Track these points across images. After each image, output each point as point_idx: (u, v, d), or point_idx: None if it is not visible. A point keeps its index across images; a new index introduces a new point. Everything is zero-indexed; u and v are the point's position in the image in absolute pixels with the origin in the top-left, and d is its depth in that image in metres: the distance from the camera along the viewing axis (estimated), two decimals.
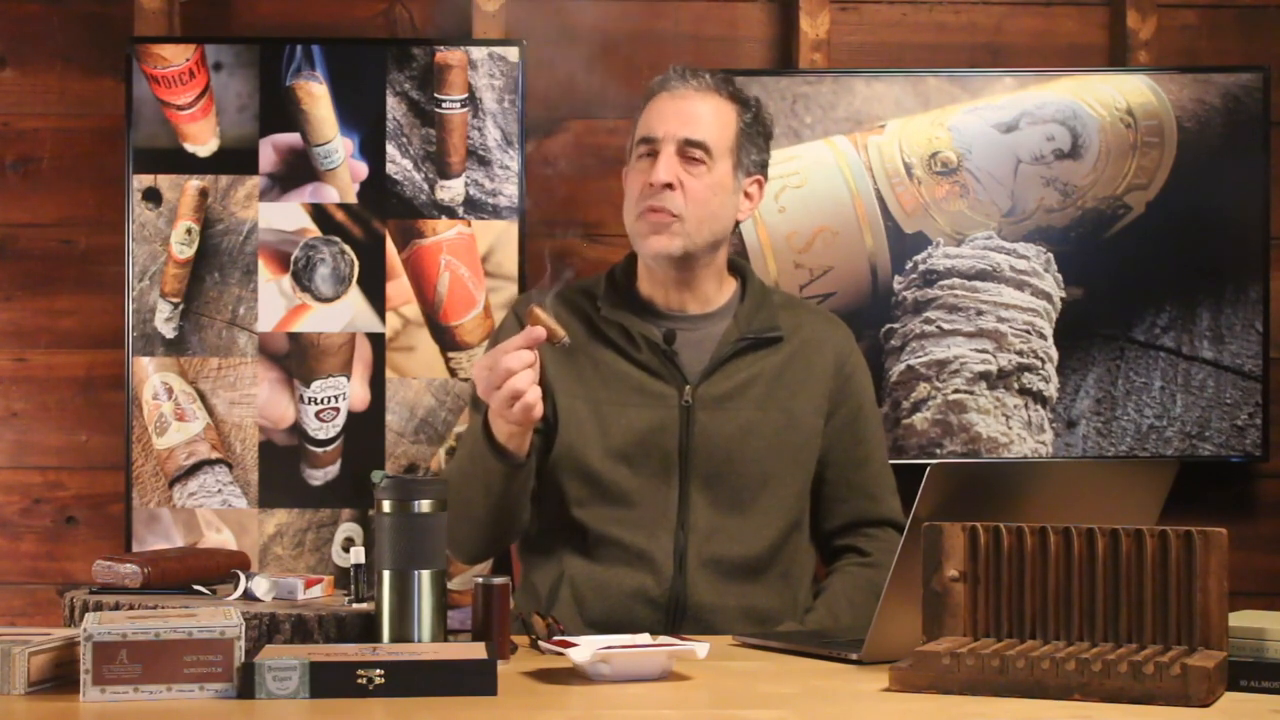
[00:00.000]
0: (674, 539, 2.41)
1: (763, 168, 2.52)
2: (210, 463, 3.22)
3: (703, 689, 1.88)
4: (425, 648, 1.93)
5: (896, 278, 3.28)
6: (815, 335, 2.53)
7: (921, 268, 3.28)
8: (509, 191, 3.24)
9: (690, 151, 2.43)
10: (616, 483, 2.42)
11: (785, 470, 2.46)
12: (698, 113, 2.44)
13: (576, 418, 2.45)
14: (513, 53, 3.24)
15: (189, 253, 3.22)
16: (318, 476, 3.23)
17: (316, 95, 3.23)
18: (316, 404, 3.23)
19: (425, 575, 2.01)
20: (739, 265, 2.58)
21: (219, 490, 3.21)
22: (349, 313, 3.24)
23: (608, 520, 2.42)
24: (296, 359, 3.23)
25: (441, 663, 1.80)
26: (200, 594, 2.18)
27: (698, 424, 2.43)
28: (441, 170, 3.24)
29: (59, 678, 1.84)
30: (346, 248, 3.24)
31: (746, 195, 2.50)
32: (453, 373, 3.23)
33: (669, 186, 2.41)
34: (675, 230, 2.42)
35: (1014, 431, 3.27)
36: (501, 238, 3.24)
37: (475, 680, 1.79)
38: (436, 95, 3.24)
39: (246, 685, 1.76)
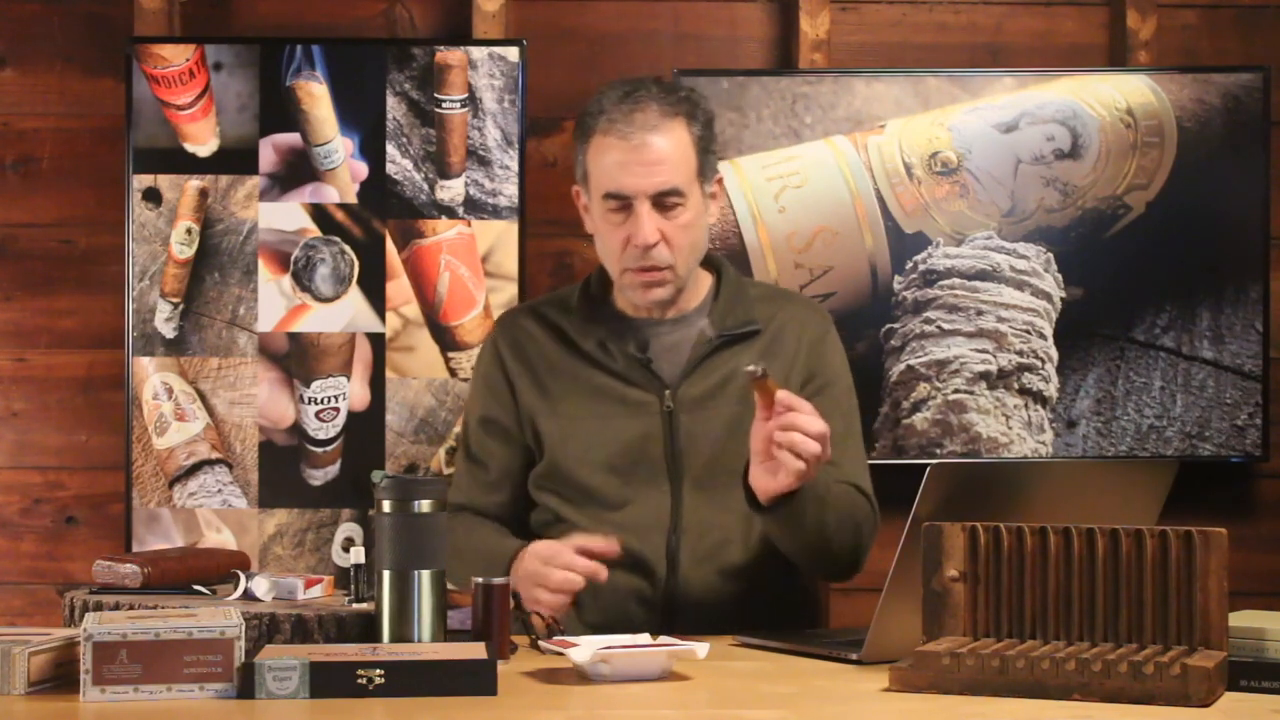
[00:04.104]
0: (667, 541, 2.41)
1: (717, 162, 2.49)
2: (210, 463, 3.22)
3: (703, 689, 1.88)
4: (425, 648, 1.93)
5: (896, 278, 3.28)
6: (790, 320, 2.51)
7: (921, 268, 3.28)
8: (509, 191, 3.24)
9: (665, 200, 2.39)
10: (607, 493, 2.43)
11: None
12: (660, 157, 2.38)
13: (561, 437, 2.45)
14: (513, 53, 3.24)
15: (189, 253, 3.22)
16: (318, 476, 3.23)
17: (316, 95, 3.23)
18: (316, 404, 3.23)
19: (425, 575, 2.01)
20: (714, 260, 2.55)
21: (219, 490, 3.21)
22: (349, 313, 3.24)
23: (601, 524, 2.41)
24: (296, 359, 3.23)
25: (441, 663, 1.80)
26: (200, 594, 2.18)
27: (681, 427, 2.42)
28: (441, 170, 3.24)
29: (59, 678, 1.84)
30: (346, 248, 3.24)
31: (712, 197, 2.48)
32: (453, 373, 3.23)
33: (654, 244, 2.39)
34: (667, 278, 2.42)
35: (1014, 431, 3.27)
36: (501, 238, 3.24)
37: (475, 680, 1.79)
38: (436, 95, 3.24)
39: (246, 685, 1.76)
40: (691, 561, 2.41)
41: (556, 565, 2.26)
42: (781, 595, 2.47)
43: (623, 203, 2.39)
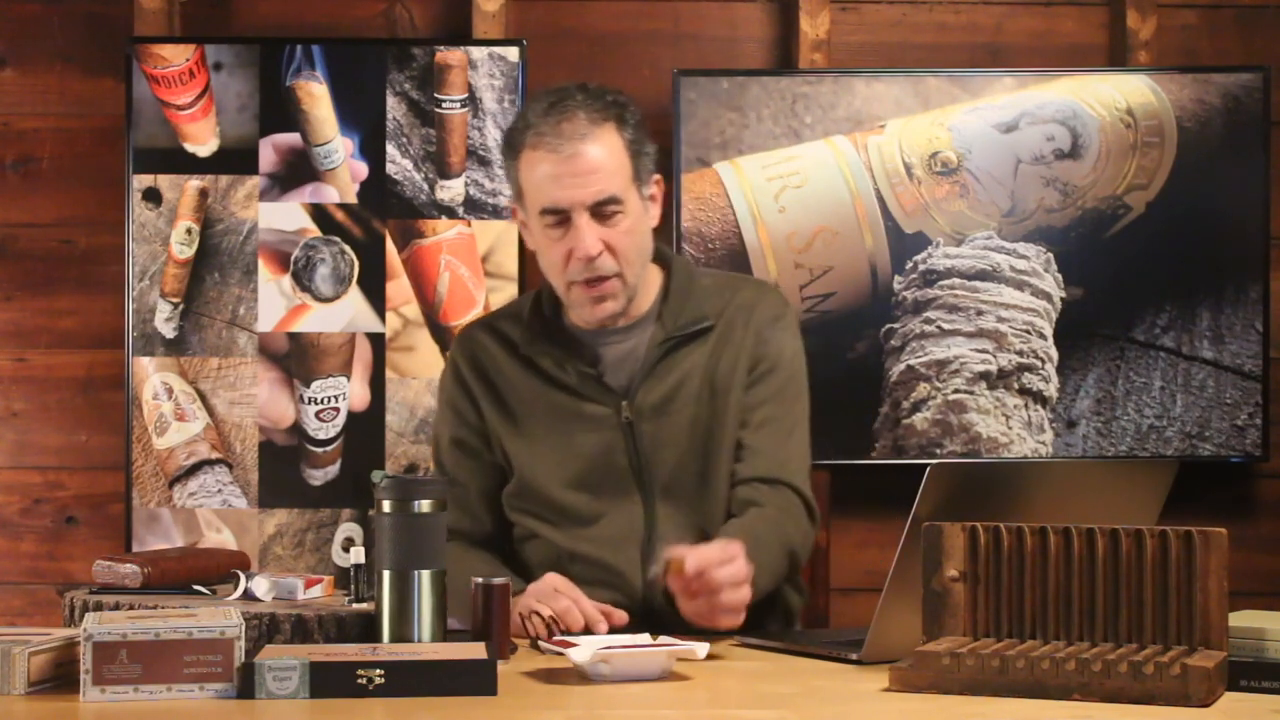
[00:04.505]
0: (641, 552, 2.38)
1: (655, 163, 2.43)
2: (210, 463, 3.22)
3: (703, 689, 1.88)
4: (425, 648, 1.93)
5: (896, 278, 3.28)
6: (741, 308, 2.45)
7: (921, 268, 3.28)
8: (509, 191, 3.23)
9: (603, 209, 2.34)
10: (579, 509, 2.40)
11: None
12: (594, 165, 2.32)
13: (527, 457, 2.43)
14: (513, 53, 3.24)
15: (189, 253, 3.22)
16: (318, 476, 3.23)
17: (316, 95, 3.24)
18: (316, 404, 3.23)
19: (425, 575, 2.01)
20: (663, 256, 2.49)
21: (219, 490, 3.21)
22: (349, 313, 3.24)
23: (576, 539, 2.40)
24: (296, 359, 3.23)
25: (441, 663, 1.80)
26: (200, 594, 2.18)
27: (643, 436, 2.39)
28: (441, 170, 3.24)
29: (59, 678, 1.84)
30: (346, 248, 3.24)
31: (652, 199, 2.43)
32: None
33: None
34: (615, 289, 2.37)
35: (1014, 431, 3.27)
36: (501, 238, 3.24)
37: (475, 680, 1.79)
38: (436, 95, 3.24)
39: (246, 685, 1.76)
40: None
41: (566, 595, 2.24)
42: (757, 600, 2.44)
43: (560, 216, 2.34)
